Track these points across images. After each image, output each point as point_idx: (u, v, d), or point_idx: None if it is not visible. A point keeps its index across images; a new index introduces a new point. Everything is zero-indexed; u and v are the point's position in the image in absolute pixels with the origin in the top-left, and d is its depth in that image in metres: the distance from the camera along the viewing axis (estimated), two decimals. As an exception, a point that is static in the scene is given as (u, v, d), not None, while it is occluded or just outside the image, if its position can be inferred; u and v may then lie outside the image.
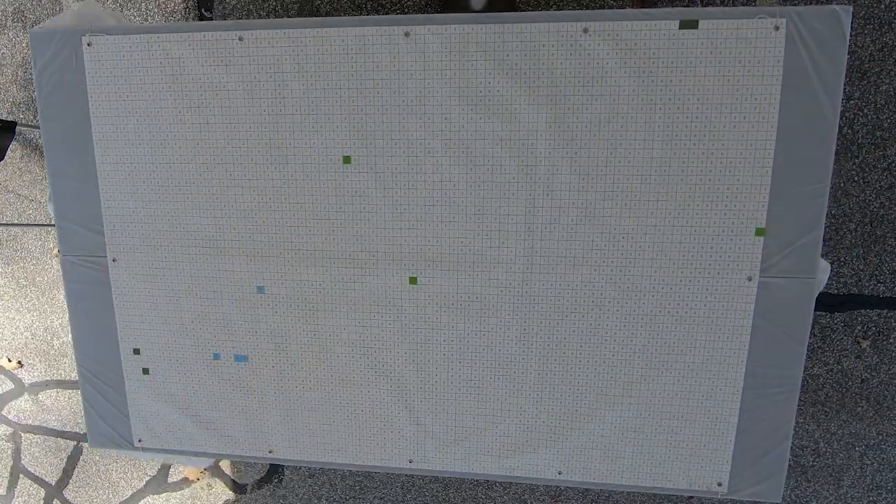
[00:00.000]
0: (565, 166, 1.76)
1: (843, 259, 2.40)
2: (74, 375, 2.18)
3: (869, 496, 2.66)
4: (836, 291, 2.38)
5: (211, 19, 2.62)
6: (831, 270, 2.31)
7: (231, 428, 2.09)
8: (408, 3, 2.49)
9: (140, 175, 1.95)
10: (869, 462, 2.61)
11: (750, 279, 1.76)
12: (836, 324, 2.43)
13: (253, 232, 1.93)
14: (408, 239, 1.87)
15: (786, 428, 1.83)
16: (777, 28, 1.61)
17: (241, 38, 1.82)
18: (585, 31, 1.67)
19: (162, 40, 1.85)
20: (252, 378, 2.04)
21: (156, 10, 2.68)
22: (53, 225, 2.04)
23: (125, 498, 3.24)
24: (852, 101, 2.26)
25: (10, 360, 3.18)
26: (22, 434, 3.31)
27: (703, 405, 1.85)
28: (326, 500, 3.07)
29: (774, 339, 1.78)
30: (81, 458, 3.28)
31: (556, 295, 1.84)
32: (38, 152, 2.89)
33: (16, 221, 2.99)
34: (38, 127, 2.02)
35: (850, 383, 2.50)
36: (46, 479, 3.34)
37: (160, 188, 1.95)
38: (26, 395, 3.23)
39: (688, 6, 2.31)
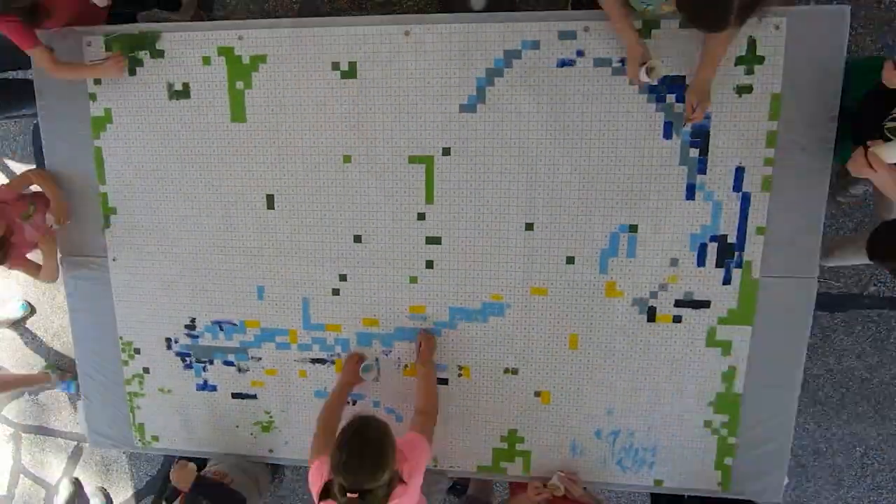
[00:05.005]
0: (566, 165, 1.76)
1: (843, 259, 2.40)
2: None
3: (869, 496, 2.66)
4: (836, 291, 2.38)
5: (211, 19, 2.62)
6: (831, 270, 2.32)
7: (232, 427, 2.09)
8: (408, 3, 2.48)
9: (141, 175, 1.95)
10: (869, 462, 2.60)
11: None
12: (836, 324, 2.43)
13: (253, 232, 1.93)
14: (408, 238, 1.87)
15: (786, 428, 1.83)
16: (777, 28, 1.61)
17: (240, 38, 1.82)
18: (586, 30, 1.67)
19: (162, 40, 1.85)
20: (252, 378, 2.04)
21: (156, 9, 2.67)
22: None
23: (125, 498, 3.23)
24: (852, 101, 2.26)
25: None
26: (22, 434, 3.31)
27: (702, 405, 1.85)
28: (326, 500, 3.07)
29: (774, 339, 1.78)
30: (81, 458, 3.27)
31: (556, 294, 1.84)
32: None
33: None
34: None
35: (850, 383, 2.50)
36: (46, 479, 3.34)
37: (161, 188, 1.94)
38: (26, 395, 3.23)
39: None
